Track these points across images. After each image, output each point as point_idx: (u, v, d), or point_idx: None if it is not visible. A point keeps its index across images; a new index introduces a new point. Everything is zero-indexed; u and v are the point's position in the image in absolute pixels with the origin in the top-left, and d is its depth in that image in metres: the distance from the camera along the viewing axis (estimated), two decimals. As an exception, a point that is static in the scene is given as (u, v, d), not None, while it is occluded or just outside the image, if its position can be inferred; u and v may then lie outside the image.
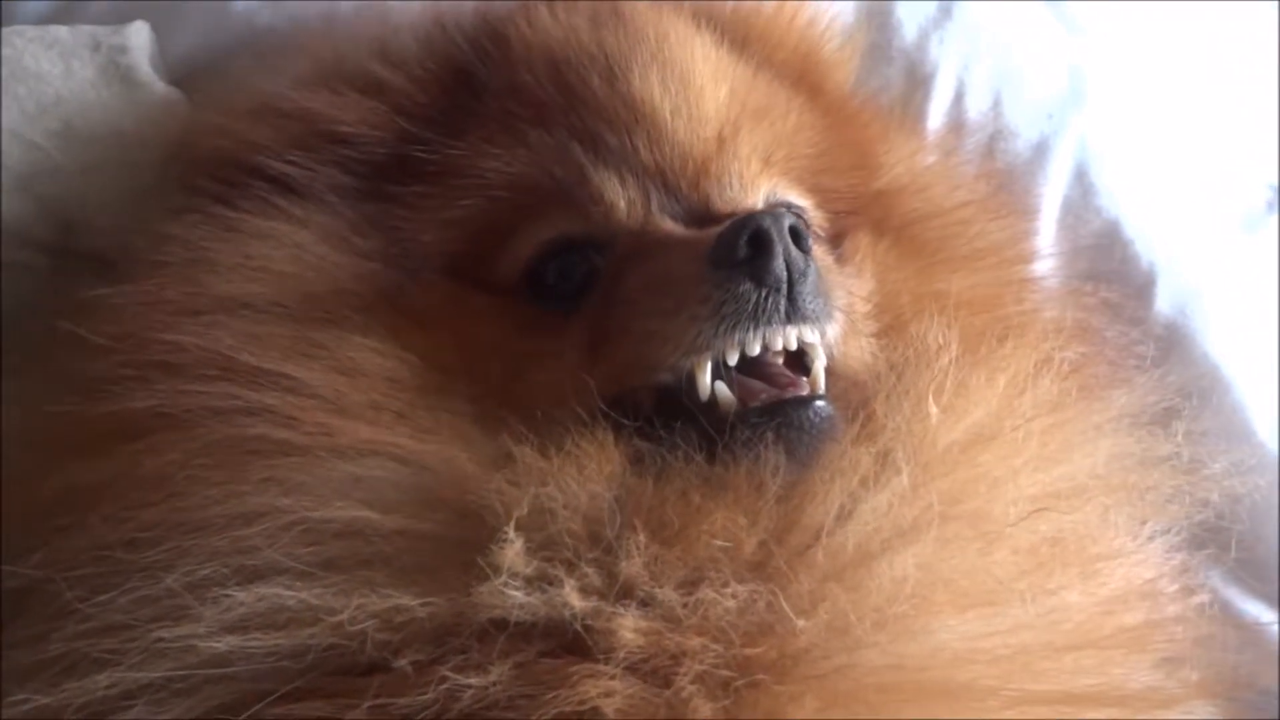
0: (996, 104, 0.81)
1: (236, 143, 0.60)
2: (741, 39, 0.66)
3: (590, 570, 0.46)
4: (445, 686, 0.44)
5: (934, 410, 0.52)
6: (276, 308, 0.55)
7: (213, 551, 0.47)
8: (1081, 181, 0.81)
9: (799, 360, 0.53)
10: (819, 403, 0.52)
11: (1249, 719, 0.64)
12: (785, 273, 0.51)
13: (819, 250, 0.57)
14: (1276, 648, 0.74)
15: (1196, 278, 0.82)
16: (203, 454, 0.49)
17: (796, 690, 0.45)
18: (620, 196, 0.57)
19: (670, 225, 0.55)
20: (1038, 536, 0.51)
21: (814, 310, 0.52)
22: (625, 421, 0.51)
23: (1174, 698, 0.54)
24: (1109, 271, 0.80)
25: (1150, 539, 0.60)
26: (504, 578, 0.45)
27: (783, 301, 0.51)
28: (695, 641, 0.45)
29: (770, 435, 0.49)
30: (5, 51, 0.64)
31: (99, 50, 0.64)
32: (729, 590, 0.45)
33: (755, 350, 0.51)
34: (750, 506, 0.47)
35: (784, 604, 0.45)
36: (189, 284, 0.55)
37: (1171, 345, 0.79)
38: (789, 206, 0.60)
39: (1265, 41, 1.27)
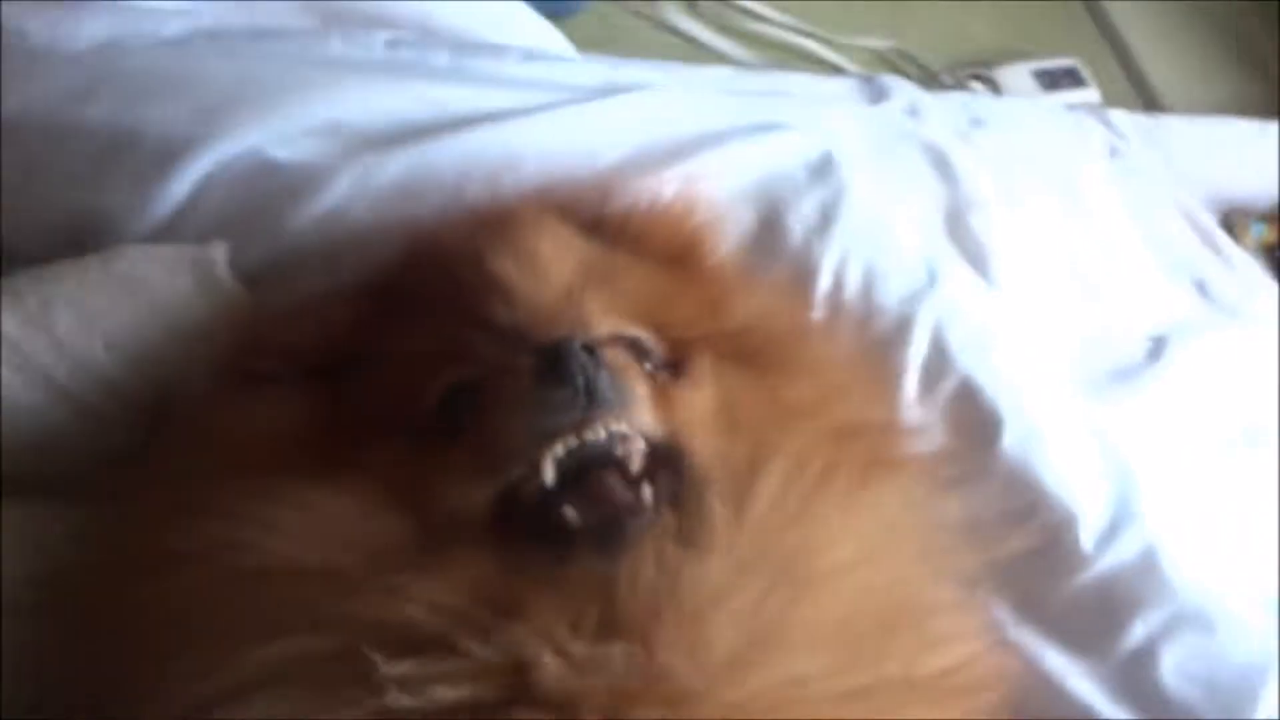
0: (868, 290, 1.02)
1: (235, 347, 0.81)
2: (605, 229, 0.85)
3: (458, 663, 0.58)
4: None
5: (761, 486, 0.68)
6: (254, 465, 0.71)
7: (218, 672, 0.60)
8: (937, 345, 1.02)
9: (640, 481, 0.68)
10: (643, 515, 0.64)
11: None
12: (580, 373, 0.65)
13: (617, 356, 0.72)
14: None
15: (1036, 419, 1.00)
16: (206, 579, 0.64)
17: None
18: (489, 349, 0.71)
19: (521, 360, 0.69)
20: (848, 590, 0.66)
21: (611, 399, 0.66)
22: (502, 529, 0.65)
23: None
24: (965, 416, 0.99)
25: (959, 596, 0.73)
26: (391, 690, 0.56)
27: (581, 394, 0.65)
28: (593, 689, 0.58)
29: (602, 538, 0.63)
30: (124, 265, 0.86)
31: (195, 264, 0.86)
32: (606, 650, 0.59)
33: (574, 443, 0.65)
34: (593, 589, 0.61)
35: (655, 652, 0.59)
36: (202, 449, 0.75)
37: (1014, 475, 0.97)
38: (626, 337, 0.74)
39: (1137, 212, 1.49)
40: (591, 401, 0.66)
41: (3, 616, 0.72)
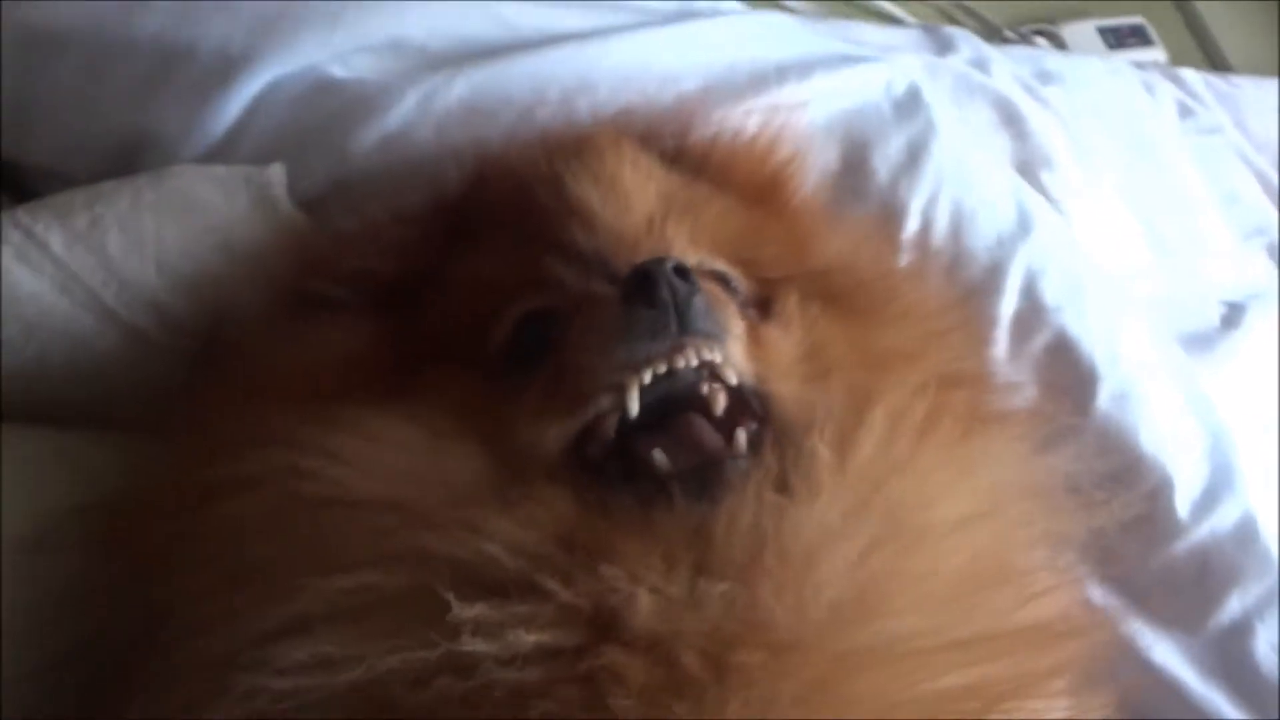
0: (956, 234, 0.97)
1: (297, 271, 0.76)
2: (686, 160, 0.80)
3: (539, 606, 0.54)
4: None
5: (864, 434, 0.63)
6: (320, 393, 0.67)
7: (276, 606, 0.56)
8: (1029, 296, 0.96)
9: (727, 424, 0.63)
10: (739, 461, 0.60)
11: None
12: (670, 297, 0.61)
13: (712, 287, 0.67)
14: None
15: (1132, 377, 0.95)
16: (268, 507, 0.61)
17: (783, 671, 0.54)
18: (567, 275, 0.68)
19: (603, 288, 0.66)
20: (955, 548, 0.62)
21: (705, 328, 0.61)
22: (580, 468, 0.61)
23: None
24: (1058, 372, 0.94)
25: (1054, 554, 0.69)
26: (465, 632, 0.53)
27: (672, 320, 0.61)
28: (690, 631, 0.54)
29: (696, 486, 0.59)
30: (178, 184, 0.82)
31: (250, 184, 0.82)
32: (704, 590, 0.55)
33: (663, 368, 0.61)
34: (687, 532, 0.57)
35: (757, 597, 0.55)
36: (263, 375, 0.71)
37: (1108, 435, 0.92)
38: (712, 271, 0.71)
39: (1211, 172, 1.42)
40: (684, 327, 0.61)
41: (47, 548, 0.68)
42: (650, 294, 0.61)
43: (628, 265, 0.65)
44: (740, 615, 0.55)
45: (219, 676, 0.55)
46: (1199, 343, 1.14)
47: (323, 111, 0.90)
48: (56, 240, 0.78)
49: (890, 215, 0.96)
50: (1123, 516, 0.79)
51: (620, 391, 0.61)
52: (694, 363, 0.62)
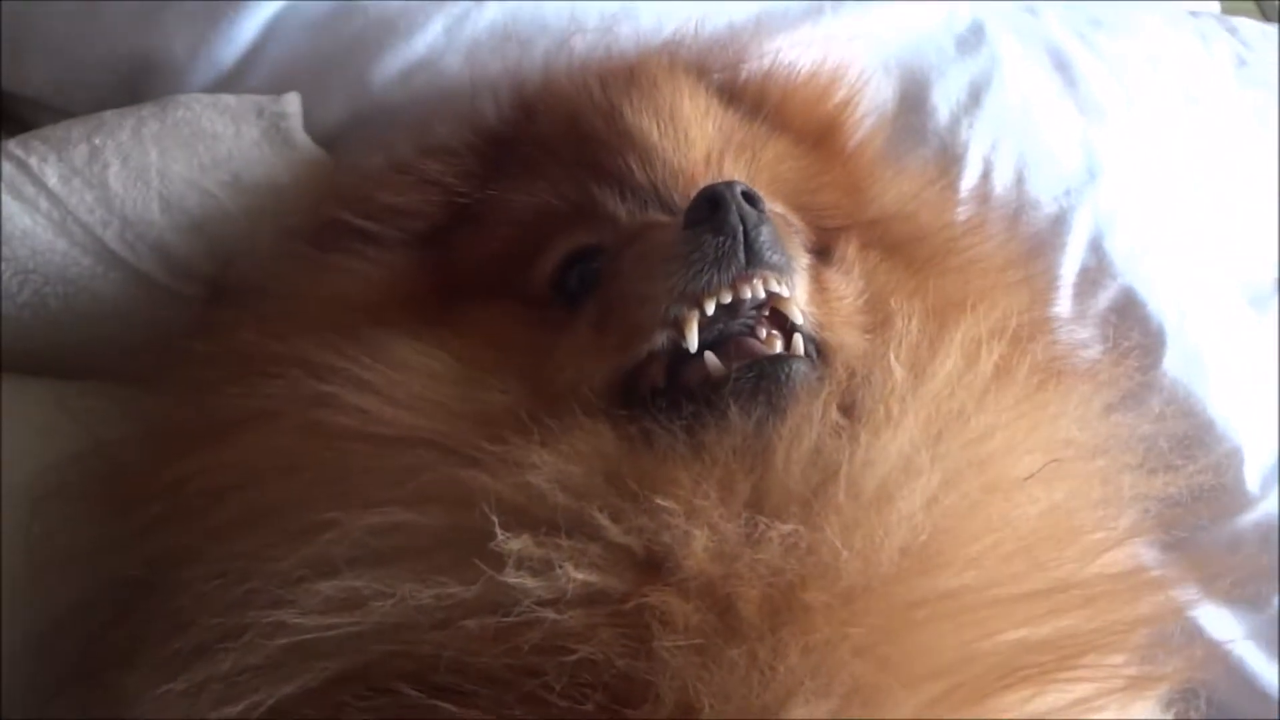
0: (1020, 180, 0.89)
1: (335, 205, 0.71)
2: (741, 96, 0.75)
3: (587, 543, 0.50)
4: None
5: (940, 362, 0.58)
6: (346, 322, 0.62)
7: (297, 545, 0.52)
8: (1096, 250, 0.89)
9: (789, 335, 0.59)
10: (797, 362, 0.56)
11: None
12: (740, 223, 0.56)
13: (778, 219, 0.62)
14: (1275, 692, 0.80)
15: (1202, 338, 0.89)
16: (286, 439, 0.57)
17: (846, 618, 0.49)
18: (620, 209, 0.65)
19: (661, 218, 0.62)
20: (1028, 502, 0.56)
21: (773, 260, 0.57)
22: (626, 403, 0.56)
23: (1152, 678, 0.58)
24: (1124, 330, 0.85)
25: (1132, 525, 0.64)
26: (510, 566, 0.49)
27: (740, 247, 0.56)
28: (747, 574, 0.49)
29: (751, 388, 0.54)
30: (184, 114, 0.75)
31: (263, 115, 0.75)
32: (764, 530, 0.50)
33: (727, 298, 0.56)
34: (744, 458, 0.52)
35: (823, 538, 0.50)
36: (284, 305, 0.66)
37: (1176, 397, 0.86)
38: (773, 213, 0.65)
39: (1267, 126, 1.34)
40: (751, 256, 0.56)
41: (49, 498, 0.63)
42: (718, 219, 0.56)
43: (685, 199, 0.61)
44: (803, 558, 0.50)
45: (236, 617, 0.51)
46: (1255, 302, 1.07)
47: (343, 37, 0.82)
48: (52, 174, 0.71)
49: (950, 159, 0.89)
50: (1190, 484, 0.73)
51: (677, 326, 0.56)
52: (760, 295, 0.58)
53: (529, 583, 0.49)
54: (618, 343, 0.58)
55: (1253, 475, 0.86)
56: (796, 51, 0.81)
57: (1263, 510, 0.85)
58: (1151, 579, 0.64)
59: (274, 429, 0.57)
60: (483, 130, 0.74)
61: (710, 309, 0.57)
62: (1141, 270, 0.90)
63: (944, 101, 0.91)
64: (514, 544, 0.50)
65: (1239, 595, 0.82)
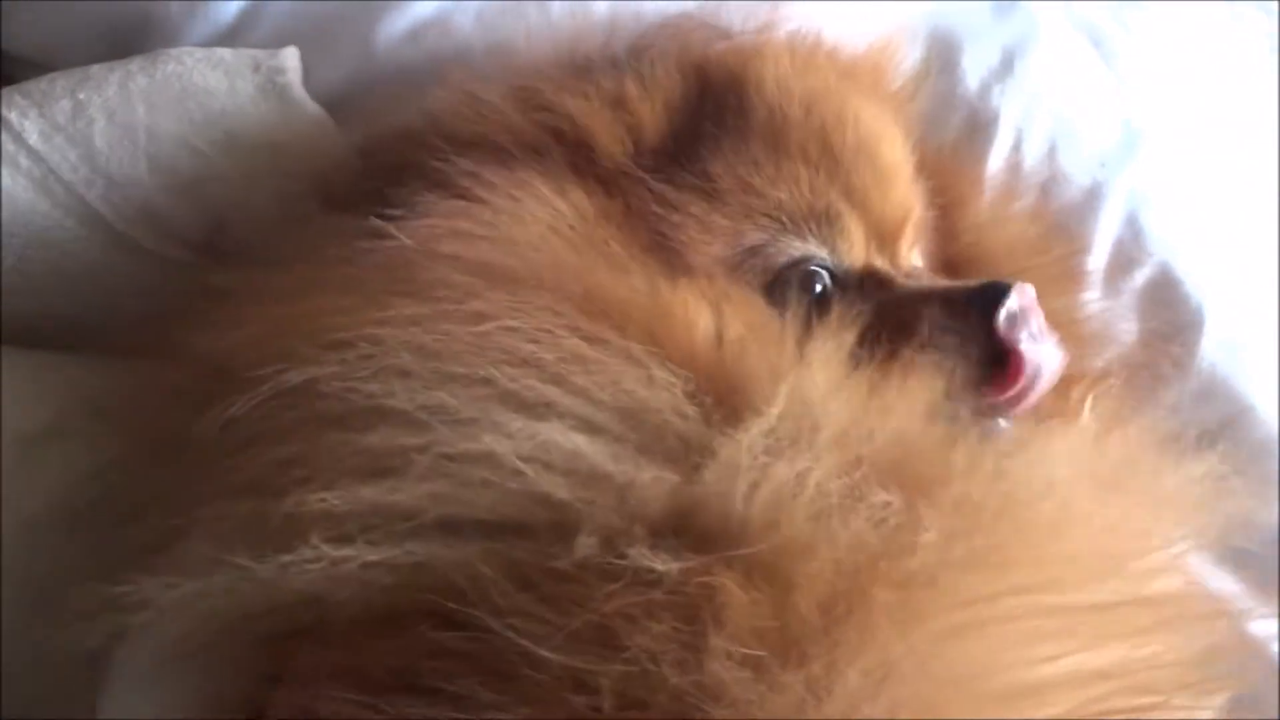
0: (1052, 151, 0.84)
1: (494, 126, 0.64)
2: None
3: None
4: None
5: None
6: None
7: (524, 369, 0.48)
8: (1132, 225, 0.83)
9: None
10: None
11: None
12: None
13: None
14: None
15: (1242, 319, 0.83)
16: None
17: (906, 615, 0.45)
18: (859, 238, 0.65)
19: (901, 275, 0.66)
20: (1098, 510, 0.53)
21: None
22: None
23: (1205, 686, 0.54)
24: (1161, 310, 0.82)
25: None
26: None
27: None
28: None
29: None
30: (174, 68, 0.70)
31: (259, 70, 0.70)
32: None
33: None
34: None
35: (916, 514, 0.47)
36: (482, 225, 0.58)
37: (1215, 383, 0.80)
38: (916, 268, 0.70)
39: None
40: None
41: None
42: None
43: (890, 248, 0.67)
44: (888, 535, 0.46)
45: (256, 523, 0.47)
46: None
47: (344, -6, 0.77)
48: (33, 130, 0.66)
49: (977, 126, 0.83)
50: (1217, 472, 0.68)
51: None
52: None
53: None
54: None
55: (1294, 463, 0.81)
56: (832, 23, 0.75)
57: (1302, 504, 0.80)
58: (1214, 601, 0.62)
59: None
60: (695, 85, 0.68)
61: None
62: (1179, 248, 0.84)
63: (974, 66, 0.85)
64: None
65: (1271, 589, 0.77)
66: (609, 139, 0.64)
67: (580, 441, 0.47)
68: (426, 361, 0.48)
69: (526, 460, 0.46)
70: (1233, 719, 0.57)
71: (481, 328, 0.49)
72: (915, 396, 0.53)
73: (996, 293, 0.61)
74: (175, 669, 0.52)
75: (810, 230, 0.64)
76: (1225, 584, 0.75)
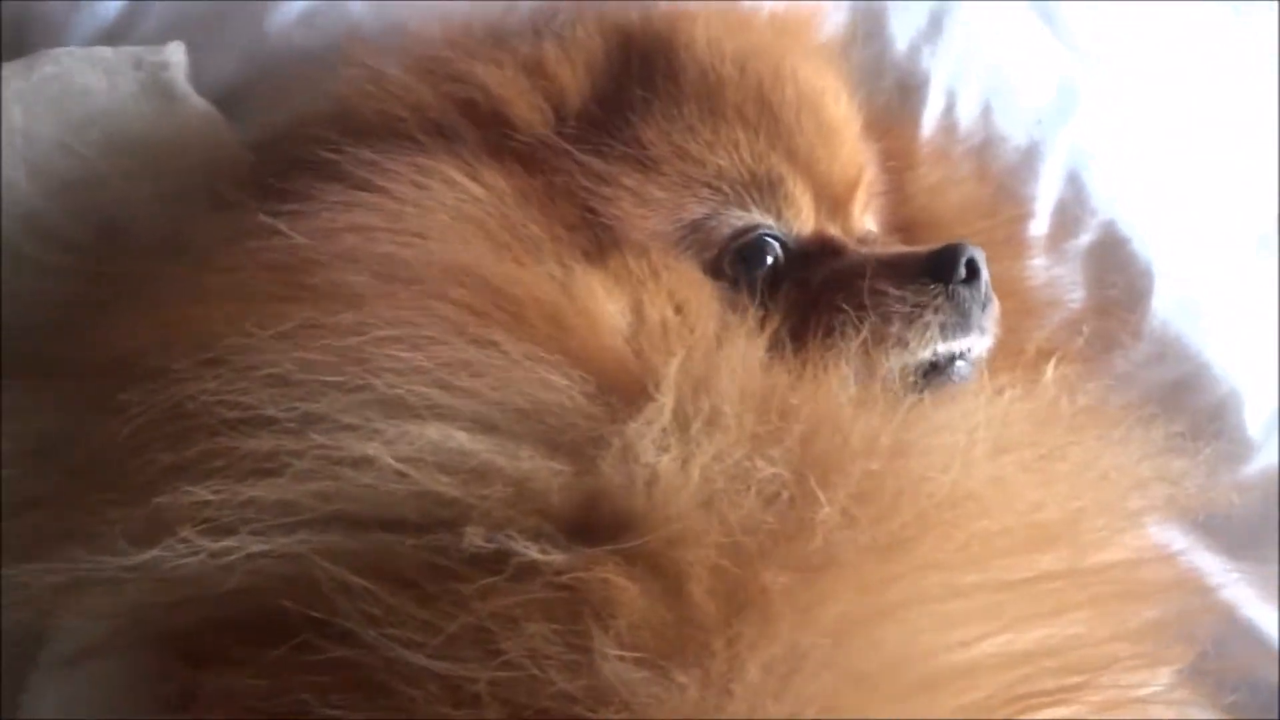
0: (986, 112, 0.81)
1: (400, 104, 0.61)
2: None
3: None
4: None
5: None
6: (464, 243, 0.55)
7: (406, 375, 0.47)
8: (1074, 184, 0.81)
9: None
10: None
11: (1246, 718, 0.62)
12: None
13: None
14: (1276, 642, 0.73)
15: (1194, 276, 0.81)
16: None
17: (810, 601, 0.43)
18: (806, 203, 0.63)
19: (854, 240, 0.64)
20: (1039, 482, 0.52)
21: (985, 325, 0.61)
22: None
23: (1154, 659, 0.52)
24: (1109, 270, 0.80)
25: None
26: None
27: (986, 315, 0.60)
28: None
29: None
30: (52, 69, 0.67)
31: (141, 67, 0.67)
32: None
33: (957, 350, 0.60)
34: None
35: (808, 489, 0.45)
36: (384, 215, 0.55)
37: (1167, 342, 0.78)
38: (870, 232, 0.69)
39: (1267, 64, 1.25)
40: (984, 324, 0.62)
41: None
42: (976, 287, 0.60)
43: (841, 211, 0.65)
44: (782, 512, 0.45)
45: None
46: (1260, 243, 0.99)
47: (231, -18, 0.74)
48: (-102, 137, 0.62)
49: (907, 89, 0.80)
50: (1175, 432, 0.65)
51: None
52: (981, 353, 0.62)
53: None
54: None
55: (1254, 421, 0.78)
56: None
57: (1265, 458, 0.77)
58: (1167, 570, 0.59)
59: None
60: (618, 51, 0.66)
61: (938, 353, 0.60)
62: (1124, 206, 0.81)
63: (902, 29, 0.82)
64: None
65: (1244, 550, 0.74)
66: (527, 108, 0.61)
67: (467, 440, 0.46)
68: (306, 371, 0.47)
69: (408, 461, 0.45)
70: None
71: (362, 337, 0.48)
72: (825, 375, 0.51)
73: (953, 258, 0.60)
74: (95, 666, 0.51)
75: (753, 198, 0.62)
76: (1193, 552, 0.73)
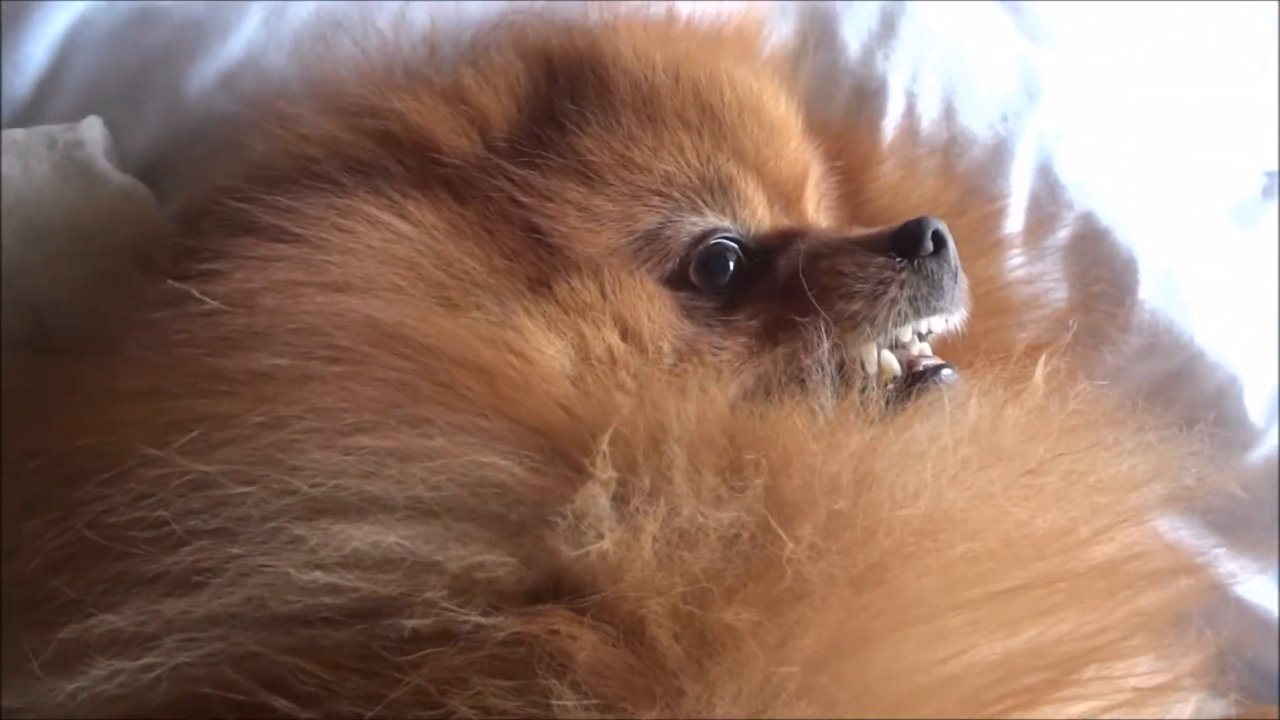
0: (949, 111, 0.78)
1: (315, 146, 0.58)
2: None
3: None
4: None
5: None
6: (393, 290, 0.53)
7: (331, 472, 0.44)
8: (1046, 178, 0.78)
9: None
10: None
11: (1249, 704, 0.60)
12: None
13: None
14: (1276, 631, 0.71)
15: (1179, 262, 0.78)
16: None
17: (781, 636, 0.42)
18: (760, 201, 0.61)
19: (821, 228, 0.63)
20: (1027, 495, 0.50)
21: (957, 299, 0.60)
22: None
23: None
24: (1091, 264, 0.77)
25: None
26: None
27: (956, 288, 0.59)
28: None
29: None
30: None
31: (55, 148, 0.63)
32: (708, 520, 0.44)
33: (927, 330, 0.59)
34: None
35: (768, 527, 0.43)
36: (305, 268, 0.53)
37: (1158, 332, 0.76)
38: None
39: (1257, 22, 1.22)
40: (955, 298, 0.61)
41: None
42: (944, 259, 0.59)
43: (794, 206, 0.63)
44: (746, 554, 0.43)
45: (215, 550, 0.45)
46: (1239, 216, 0.96)
47: (146, 47, 0.70)
48: None
49: (865, 95, 0.78)
50: (1173, 422, 0.63)
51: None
52: (953, 328, 0.61)
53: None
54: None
55: (1255, 406, 0.75)
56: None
57: (1269, 444, 0.75)
58: (1163, 560, 0.56)
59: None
60: (541, 67, 0.64)
61: (909, 336, 0.58)
62: (1099, 194, 0.78)
63: (854, 33, 0.79)
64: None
65: (1256, 541, 0.72)
66: (451, 134, 0.58)
67: (404, 535, 0.44)
68: (224, 477, 0.45)
69: (339, 567, 0.43)
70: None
71: (281, 433, 0.45)
72: (790, 411, 0.49)
73: (917, 231, 0.59)
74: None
75: (706, 201, 0.60)
76: (1197, 541, 0.70)
